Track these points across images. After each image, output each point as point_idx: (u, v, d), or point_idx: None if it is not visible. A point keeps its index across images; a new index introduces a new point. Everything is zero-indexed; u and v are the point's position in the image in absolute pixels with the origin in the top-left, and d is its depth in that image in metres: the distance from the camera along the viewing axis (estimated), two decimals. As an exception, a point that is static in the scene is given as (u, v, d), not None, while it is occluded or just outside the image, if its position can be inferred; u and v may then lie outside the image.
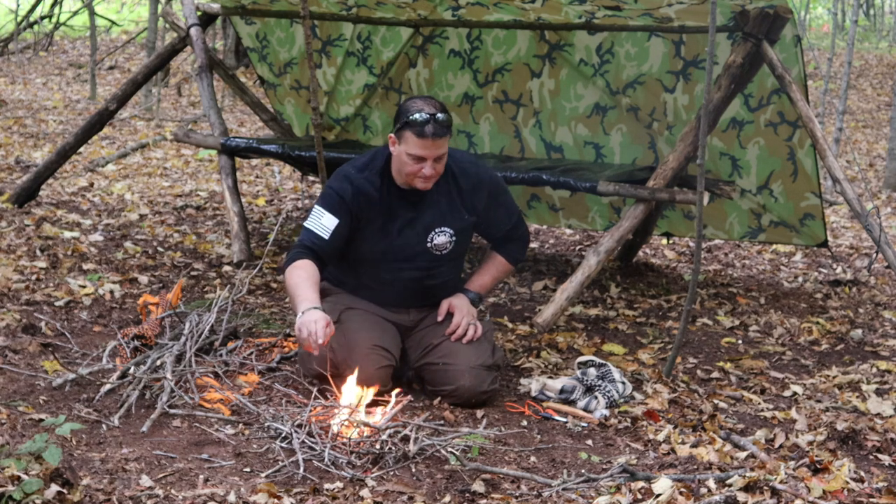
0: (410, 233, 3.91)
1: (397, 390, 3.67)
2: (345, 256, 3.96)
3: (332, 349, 3.76)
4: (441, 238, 3.93)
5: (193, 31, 6.25)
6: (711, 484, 3.14)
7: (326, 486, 3.14)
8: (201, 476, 3.16)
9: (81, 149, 8.11)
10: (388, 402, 3.61)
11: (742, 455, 3.44)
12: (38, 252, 5.64)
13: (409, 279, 3.97)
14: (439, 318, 3.98)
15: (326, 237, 3.83)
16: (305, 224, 3.88)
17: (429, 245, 3.94)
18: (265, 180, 8.60)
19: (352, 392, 3.61)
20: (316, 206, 3.88)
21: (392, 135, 3.80)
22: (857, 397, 4.10)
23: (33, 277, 5.19)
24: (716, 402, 4.04)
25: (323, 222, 3.83)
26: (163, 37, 12.92)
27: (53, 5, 15.48)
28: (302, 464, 3.25)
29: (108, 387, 3.77)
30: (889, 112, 12.69)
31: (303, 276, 3.75)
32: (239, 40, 11.43)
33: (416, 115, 3.68)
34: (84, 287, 5.09)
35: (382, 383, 3.75)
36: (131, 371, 3.85)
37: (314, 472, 3.24)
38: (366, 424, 3.46)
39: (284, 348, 4.29)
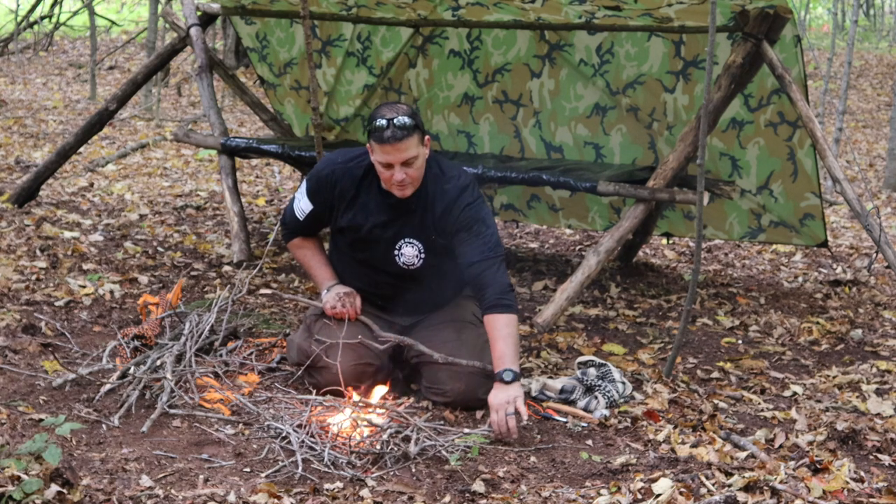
0: (380, 236, 3.89)
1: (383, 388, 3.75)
2: (337, 246, 4.08)
3: (316, 341, 3.86)
4: (409, 250, 3.89)
5: (193, 31, 6.25)
6: (711, 484, 3.14)
7: (326, 486, 3.14)
8: (201, 476, 3.16)
9: (81, 149, 8.11)
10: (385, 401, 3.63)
11: (742, 455, 3.44)
12: (38, 252, 5.64)
13: (383, 283, 3.99)
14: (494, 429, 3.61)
15: (301, 219, 4.02)
16: (292, 199, 4.06)
17: (396, 255, 3.89)
18: (265, 180, 8.60)
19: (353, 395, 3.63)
20: (303, 183, 4.04)
21: (368, 144, 3.79)
22: (857, 397, 4.10)
23: (33, 277, 5.19)
24: (716, 402, 4.03)
25: (301, 205, 4.00)
26: (163, 37, 12.92)
27: (53, 5, 15.48)
28: (301, 464, 3.25)
29: (108, 387, 3.77)
30: (889, 112, 12.69)
31: (308, 255, 4.10)
32: (239, 40, 11.43)
33: (376, 122, 3.67)
34: (84, 287, 5.09)
35: (358, 380, 3.78)
36: (131, 371, 3.85)
37: (314, 472, 3.24)
38: (367, 424, 3.47)
39: (284, 348, 4.29)
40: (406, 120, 3.65)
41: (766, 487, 3.06)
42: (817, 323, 5.19)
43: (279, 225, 4.17)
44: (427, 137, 3.77)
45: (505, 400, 3.54)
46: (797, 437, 3.65)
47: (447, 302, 4.05)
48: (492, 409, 3.56)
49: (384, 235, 3.89)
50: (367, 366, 3.84)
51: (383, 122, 3.64)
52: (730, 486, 3.11)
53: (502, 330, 3.67)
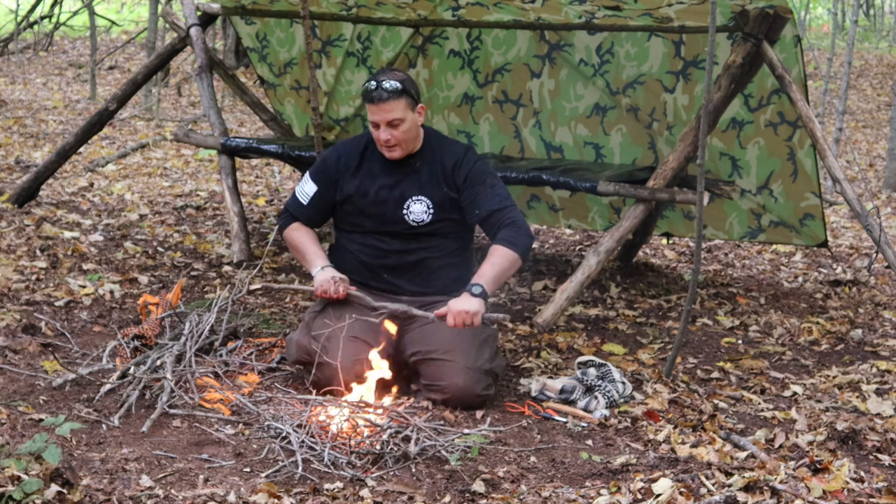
0: (387, 196, 4.03)
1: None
2: (340, 228, 4.18)
3: (314, 338, 3.88)
4: (417, 207, 4.01)
5: (193, 31, 6.25)
6: (711, 484, 3.14)
7: (326, 486, 3.14)
8: (201, 476, 3.16)
9: (81, 149, 8.11)
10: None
11: (742, 455, 3.44)
12: (38, 252, 5.64)
13: (390, 250, 4.03)
14: (436, 314, 3.85)
15: (305, 203, 4.14)
16: (294, 190, 4.19)
17: (405, 213, 4.01)
18: (265, 180, 8.60)
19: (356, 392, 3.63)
20: (308, 170, 4.21)
21: None
22: (857, 397, 4.10)
23: (33, 277, 5.19)
24: (716, 402, 4.04)
25: (305, 189, 4.15)
26: (163, 37, 12.92)
27: (53, 5, 15.48)
28: (301, 464, 3.25)
29: (108, 387, 3.77)
30: (889, 112, 12.69)
31: (302, 237, 4.14)
32: (239, 40, 11.43)
33: (368, 83, 3.94)
34: (84, 287, 5.09)
35: (358, 375, 3.78)
36: (131, 371, 3.85)
37: (314, 472, 3.24)
38: (368, 422, 3.46)
39: (284, 348, 4.28)
40: (395, 84, 3.89)
41: (766, 487, 3.06)
42: (817, 323, 5.19)
43: (279, 219, 4.25)
44: (420, 106, 4.00)
45: (465, 310, 3.74)
46: (797, 437, 3.65)
47: (452, 277, 4.05)
48: (450, 312, 3.75)
49: (391, 196, 4.03)
50: (367, 361, 3.84)
51: (373, 83, 3.91)
52: (730, 486, 3.11)
53: (495, 258, 3.88)
